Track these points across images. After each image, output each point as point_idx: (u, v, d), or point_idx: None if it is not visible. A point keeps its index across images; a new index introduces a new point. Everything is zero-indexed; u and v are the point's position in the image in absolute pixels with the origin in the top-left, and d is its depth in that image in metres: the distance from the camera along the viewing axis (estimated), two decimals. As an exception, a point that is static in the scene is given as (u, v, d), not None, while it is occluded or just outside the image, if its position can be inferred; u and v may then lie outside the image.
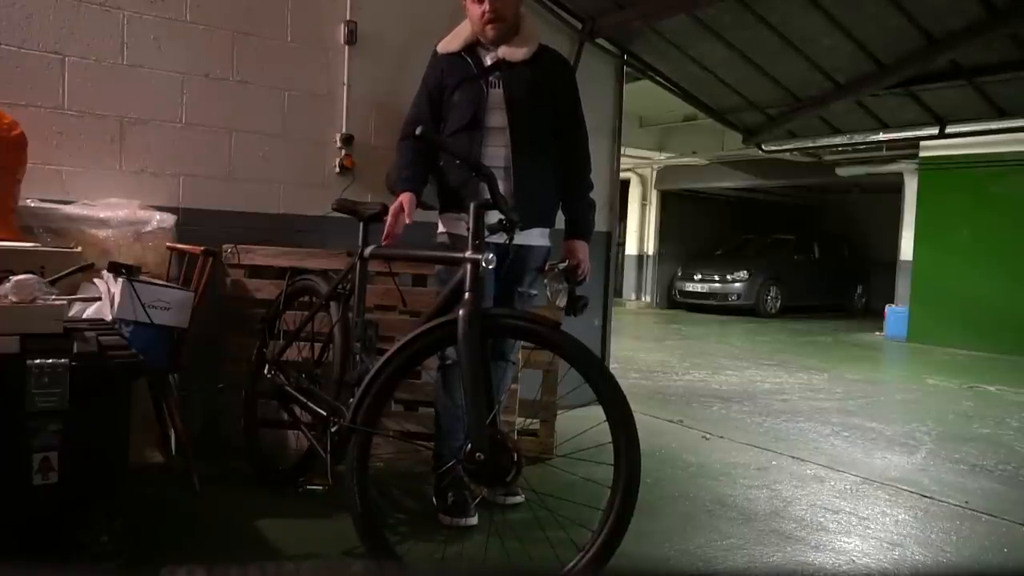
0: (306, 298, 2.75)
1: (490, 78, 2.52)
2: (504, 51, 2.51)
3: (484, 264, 1.95)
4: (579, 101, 2.66)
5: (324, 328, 2.55)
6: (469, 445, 1.84)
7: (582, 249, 2.61)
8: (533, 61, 2.53)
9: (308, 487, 2.35)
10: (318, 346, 2.62)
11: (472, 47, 2.55)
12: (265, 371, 2.68)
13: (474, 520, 2.43)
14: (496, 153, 2.47)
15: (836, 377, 6.25)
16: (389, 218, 2.42)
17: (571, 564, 1.88)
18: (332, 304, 2.48)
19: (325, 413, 2.30)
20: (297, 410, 2.57)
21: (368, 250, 2.39)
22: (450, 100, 2.55)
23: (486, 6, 2.45)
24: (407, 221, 2.42)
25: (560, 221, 2.67)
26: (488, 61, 2.53)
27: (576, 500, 2.18)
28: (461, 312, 1.90)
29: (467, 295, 1.93)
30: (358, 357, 2.32)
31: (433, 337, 1.98)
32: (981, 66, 3.88)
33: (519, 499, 2.63)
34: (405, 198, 2.44)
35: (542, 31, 2.68)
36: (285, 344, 2.68)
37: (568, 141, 2.60)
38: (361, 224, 2.44)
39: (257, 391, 2.80)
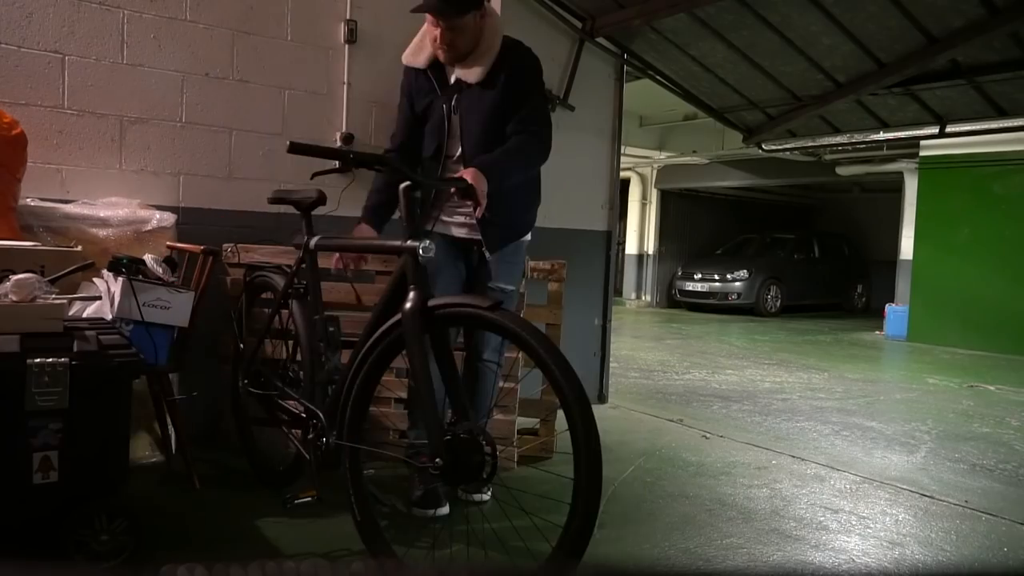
0: (268, 294, 2.65)
1: (452, 102, 2.47)
2: (460, 72, 2.45)
3: (422, 252, 1.84)
4: (535, 87, 2.49)
5: (288, 325, 2.49)
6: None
7: (468, 173, 2.20)
8: (489, 79, 2.41)
9: (296, 501, 2.13)
10: (286, 343, 2.55)
11: (437, 63, 2.49)
12: (241, 373, 2.64)
13: (446, 510, 2.42)
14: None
15: (836, 376, 6.25)
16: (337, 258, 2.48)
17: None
18: (293, 303, 2.40)
19: (301, 414, 2.26)
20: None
21: (314, 241, 2.28)
22: (423, 119, 2.55)
23: (438, 32, 2.38)
24: (350, 266, 2.48)
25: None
26: (452, 79, 2.48)
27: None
28: (407, 308, 1.82)
29: (411, 290, 1.83)
30: (323, 356, 2.23)
31: (387, 342, 1.90)
32: (981, 65, 3.88)
33: (486, 496, 2.59)
34: (361, 229, 2.50)
35: (542, 32, 2.65)
36: (256, 344, 2.60)
37: (515, 123, 2.43)
38: (303, 214, 2.34)
39: (242, 391, 2.78)
